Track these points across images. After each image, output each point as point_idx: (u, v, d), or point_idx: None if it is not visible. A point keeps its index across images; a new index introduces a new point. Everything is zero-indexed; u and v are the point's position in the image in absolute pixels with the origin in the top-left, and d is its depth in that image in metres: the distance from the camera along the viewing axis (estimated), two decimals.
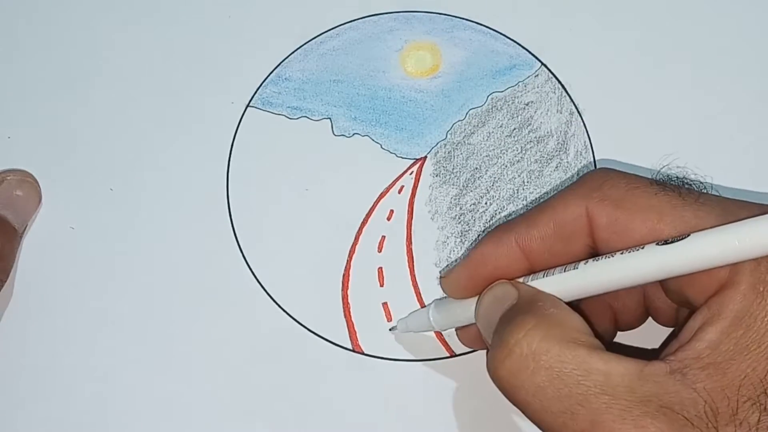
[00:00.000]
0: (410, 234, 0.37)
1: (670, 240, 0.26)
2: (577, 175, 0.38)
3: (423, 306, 0.36)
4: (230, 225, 0.38)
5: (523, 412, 0.27)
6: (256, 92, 0.40)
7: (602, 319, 0.32)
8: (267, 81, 0.40)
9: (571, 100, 0.39)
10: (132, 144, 0.39)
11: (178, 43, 0.41)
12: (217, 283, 0.36)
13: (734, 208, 0.27)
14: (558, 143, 0.39)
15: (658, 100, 0.39)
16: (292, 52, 0.41)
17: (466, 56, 0.40)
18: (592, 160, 0.38)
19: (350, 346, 0.35)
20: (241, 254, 0.37)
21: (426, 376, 0.35)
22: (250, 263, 0.37)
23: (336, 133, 0.39)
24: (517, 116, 0.39)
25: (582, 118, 0.39)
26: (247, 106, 0.40)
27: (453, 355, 0.35)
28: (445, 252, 0.37)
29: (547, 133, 0.39)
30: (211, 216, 0.38)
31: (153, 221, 0.38)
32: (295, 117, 0.39)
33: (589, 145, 0.38)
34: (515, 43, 0.40)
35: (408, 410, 0.34)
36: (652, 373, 0.25)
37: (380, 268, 0.37)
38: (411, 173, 0.38)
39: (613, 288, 0.28)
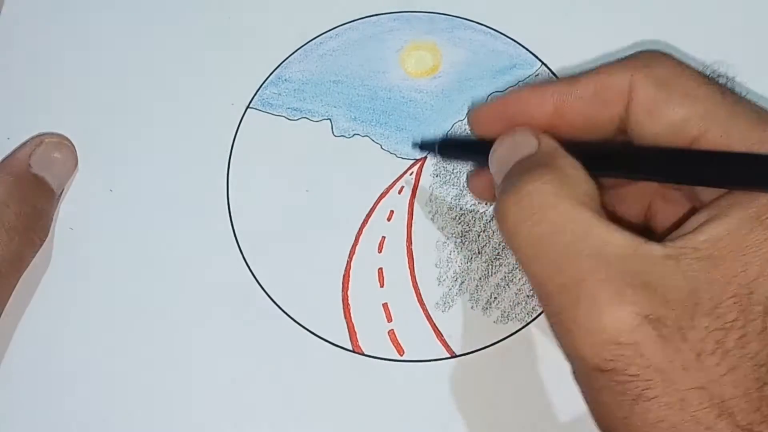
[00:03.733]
0: (410, 234, 0.37)
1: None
2: None
3: (424, 309, 0.36)
4: (230, 225, 0.37)
5: (515, 256, 0.27)
6: (256, 93, 0.40)
7: (634, 208, 0.32)
8: (267, 82, 0.40)
9: None
10: (132, 145, 0.39)
11: (178, 44, 0.41)
12: (217, 283, 0.36)
13: None
14: None
15: None
16: (292, 53, 0.41)
17: (466, 56, 0.40)
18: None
19: (350, 347, 0.35)
20: (241, 254, 0.37)
21: (426, 376, 0.35)
22: (250, 263, 0.37)
23: (336, 134, 0.39)
24: None
25: None
26: (247, 107, 0.40)
27: (453, 355, 0.35)
28: (445, 252, 0.37)
29: None
30: (211, 216, 0.38)
31: (153, 222, 0.38)
32: (295, 118, 0.39)
33: None
34: (515, 43, 0.40)
35: (408, 410, 0.34)
36: (647, 250, 0.25)
37: (380, 269, 0.37)
38: (411, 173, 0.38)
39: (632, 176, 0.29)
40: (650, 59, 0.29)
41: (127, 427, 0.34)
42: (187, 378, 0.35)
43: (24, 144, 0.37)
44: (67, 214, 0.38)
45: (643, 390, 0.24)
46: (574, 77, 0.30)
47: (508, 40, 0.40)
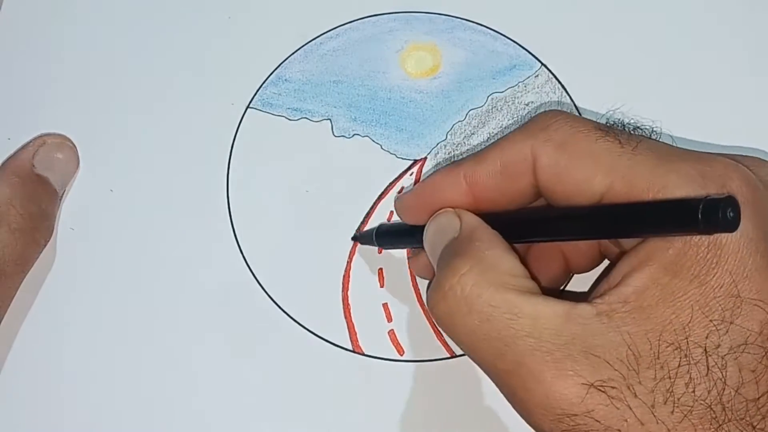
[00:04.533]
0: None
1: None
2: None
3: (424, 309, 0.36)
4: (230, 225, 0.38)
5: (459, 348, 0.28)
6: (256, 93, 0.40)
7: (552, 262, 0.33)
8: (267, 82, 0.40)
9: (572, 101, 0.39)
10: (132, 145, 0.39)
11: (178, 44, 0.41)
12: (217, 283, 0.36)
13: (670, 156, 0.27)
14: None
15: (658, 100, 0.39)
16: (292, 53, 0.41)
17: (466, 57, 0.40)
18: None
19: (350, 347, 0.35)
20: (241, 254, 0.37)
21: (426, 376, 0.35)
22: (250, 263, 0.37)
23: (336, 134, 0.39)
24: (518, 117, 0.39)
25: None
26: (247, 107, 0.40)
27: (453, 355, 0.35)
28: None
29: None
30: (211, 216, 0.38)
31: (153, 222, 0.38)
32: (295, 118, 0.39)
33: None
34: (515, 44, 0.40)
35: (408, 410, 0.34)
36: (578, 315, 0.25)
37: (380, 269, 0.37)
38: (411, 174, 0.38)
39: (549, 239, 0.30)
40: (547, 122, 0.29)
41: (126, 427, 0.35)
42: (187, 378, 0.35)
43: (26, 144, 0.37)
44: (67, 214, 0.38)
45: None
46: (480, 154, 0.30)
47: (508, 40, 0.40)
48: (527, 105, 0.39)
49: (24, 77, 0.40)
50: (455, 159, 0.38)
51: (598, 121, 0.29)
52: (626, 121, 0.30)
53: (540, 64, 0.40)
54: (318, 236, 0.37)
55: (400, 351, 0.35)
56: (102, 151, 0.39)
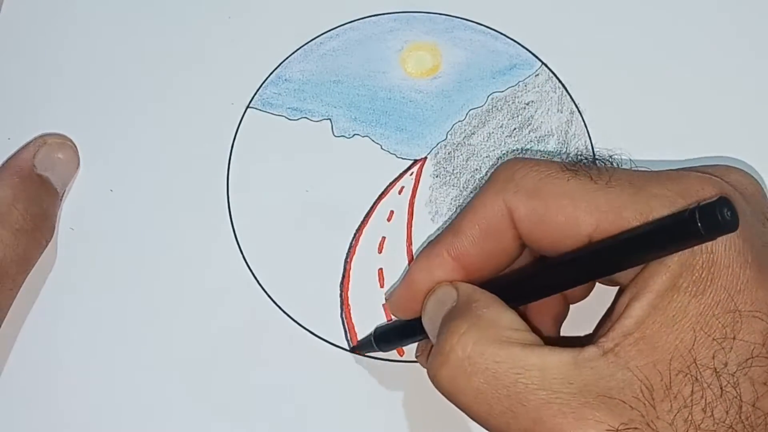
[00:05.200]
0: (410, 235, 0.37)
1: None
2: None
3: None
4: (230, 225, 0.38)
5: (468, 416, 0.27)
6: (256, 93, 0.40)
7: (551, 300, 0.32)
8: (267, 82, 0.40)
9: (572, 100, 0.39)
10: (132, 145, 0.39)
11: (178, 44, 0.41)
12: (217, 283, 0.36)
13: (644, 183, 0.27)
14: (559, 143, 0.39)
15: (658, 99, 0.39)
16: (292, 53, 0.41)
17: (466, 56, 0.40)
18: (592, 159, 0.38)
19: (350, 347, 0.35)
20: (241, 254, 0.37)
21: (426, 376, 0.35)
22: (250, 263, 0.37)
23: (336, 134, 0.39)
24: (518, 116, 0.39)
25: (582, 118, 0.39)
26: (247, 107, 0.40)
27: None
28: None
29: (548, 132, 0.39)
30: (211, 216, 0.38)
31: (153, 222, 0.38)
32: (295, 118, 0.39)
33: (590, 144, 0.38)
34: (515, 43, 0.40)
35: (408, 410, 0.34)
36: (586, 359, 0.25)
37: (380, 269, 0.37)
38: (411, 174, 0.38)
39: (547, 295, 0.29)
40: (511, 172, 0.29)
41: (126, 427, 0.35)
42: (187, 378, 0.35)
43: (27, 145, 0.37)
44: (67, 213, 0.38)
45: None
46: (456, 225, 0.30)
47: (508, 40, 0.40)
48: (527, 104, 0.39)
49: (24, 77, 0.40)
50: (455, 158, 0.38)
51: (562, 161, 0.29)
52: (589, 156, 0.29)
53: (540, 63, 0.40)
54: (318, 236, 0.37)
55: (400, 351, 0.35)
56: (102, 151, 0.39)
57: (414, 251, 0.37)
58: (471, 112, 0.39)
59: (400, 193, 0.38)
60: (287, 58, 0.41)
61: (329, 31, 0.41)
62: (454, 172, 0.38)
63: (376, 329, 0.35)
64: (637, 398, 0.24)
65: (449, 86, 0.40)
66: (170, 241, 0.37)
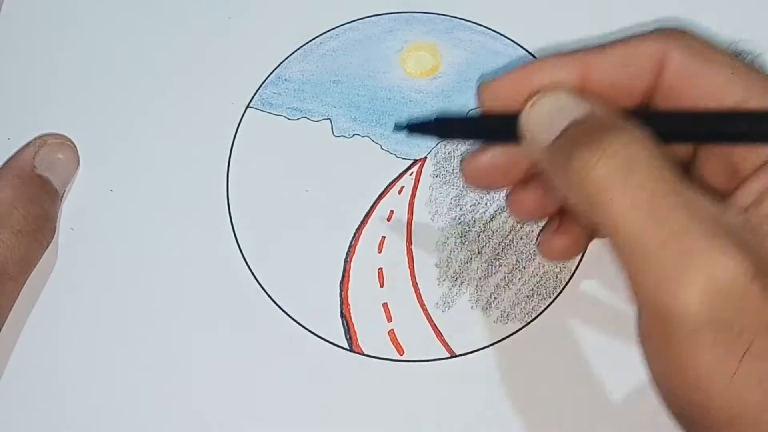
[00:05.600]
0: (410, 235, 0.37)
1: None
2: None
3: (424, 309, 0.36)
4: (230, 225, 0.38)
5: (598, 217, 0.25)
6: (255, 93, 0.40)
7: None
8: (267, 82, 0.40)
9: None
10: (132, 145, 0.39)
11: (178, 44, 0.41)
12: (217, 283, 0.37)
13: None
14: None
15: None
16: (292, 53, 0.41)
17: (466, 57, 0.40)
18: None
19: (350, 347, 0.35)
20: (241, 254, 0.37)
21: (426, 376, 0.35)
22: (250, 263, 0.37)
23: (336, 134, 0.39)
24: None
25: None
26: (247, 107, 0.40)
27: (453, 355, 0.35)
28: (445, 252, 0.37)
29: None
30: (211, 216, 0.38)
31: (153, 222, 0.38)
32: (295, 118, 0.39)
33: None
34: (515, 44, 0.40)
35: (408, 410, 0.34)
36: (733, 215, 0.25)
37: (380, 269, 0.37)
38: (411, 174, 0.38)
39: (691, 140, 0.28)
40: (681, 33, 0.28)
41: (126, 427, 0.35)
42: (187, 378, 0.35)
43: (27, 145, 0.37)
44: (68, 214, 0.38)
45: (750, 345, 0.23)
46: (602, 46, 0.29)
47: (508, 41, 0.40)
48: None
49: (24, 77, 0.40)
50: (455, 158, 0.38)
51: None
52: (752, 52, 0.29)
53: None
54: (318, 236, 0.37)
55: (400, 351, 0.35)
56: (102, 151, 0.39)
57: (414, 251, 0.37)
58: (471, 113, 0.39)
59: (400, 192, 0.38)
60: (287, 58, 0.41)
61: (329, 31, 0.41)
62: (454, 171, 0.38)
63: (438, 115, 0.31)
64: None
65: (449, 86, 0.40)
66: (170, 241, 0.37)
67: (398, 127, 0.31)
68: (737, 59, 0.27)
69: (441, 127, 0.30)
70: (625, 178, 0.25)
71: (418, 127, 0.31)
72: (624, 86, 0.29)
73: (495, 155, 0.30)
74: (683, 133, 0.28)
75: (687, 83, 0.28)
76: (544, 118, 0.28)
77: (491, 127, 0.29)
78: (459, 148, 0.39)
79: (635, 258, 0.25)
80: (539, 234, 0.32)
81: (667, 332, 0.24)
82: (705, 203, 0.25)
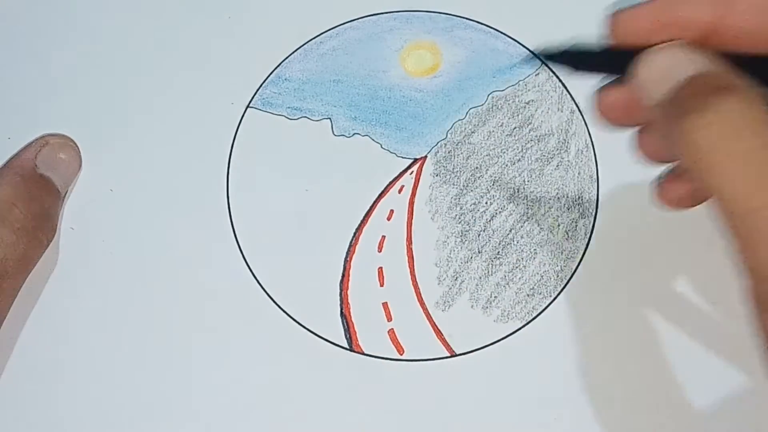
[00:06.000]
0: (410, 234, 0.37)
1: None
2: (578, 174, 0.38)
3: (424, 309, 0.36)
4: (230, 225, 0.37)
5: (705, 177, 0.25)
6: (256, 93, 0.40)
7: None
8: (267, 81, 0.40)
9: (572, 99, 0.39)
10: (132, 144, 0.39)
11: (178, 44, 0.41)
12: (217, 283, 0.36)
13: None
14: (559, 142, 0.38)
15: None
16: (292, 53, 0.41)
17: (466, 55, 0.40)
18: (593, 158, 0.38)
19: (350, 346, 0.35)
20: (241, 254, 0.37)
21: (426, 376, 0.35)
22: (250, 263, 0.37)
23: (336, 133, 0.39)
24: (518, 115, 0.39)
25: (583, 117, 0.39)
26: (247, 106, 0.40)
27: (453, 354, 0.35)
28: (445, 252, 0.37)
29: (548, 131, 0.39)
30: (211, 216, 0.38)
31: (153, 221, 0.38)
32: (295, 117, 0.39)
33: (590, 143, 0.38)
34: (516, 42, 0.40)
35: (408, 410, 0.34)
36: None
37: (380, 268, 0.37)
38: (411, 173, 0.38)
39: None
40: None
41: (126, 426, 0.35)
42: (187, 377, 0.35)
43: (29, 144, 0.37)
44: (68, 213, 0.38)
45: None
46: None
47: (508, 39, 0.40)
48: (528, 103, 0.39)
49: (24, 77, 0.40)
50: (456, 157, 0.38)
51: None
52: None
53: (540, 63, 0.40)
54: (318, 235, 0.37)
55: (400, 350, 0.35)
56: (102, 151, 0.39)
57: (414, 250, 0.37)
58: (471, 111, 0.39)
59: (400, 192, 0.38)
60: (287, 57, 0.41)
61: (329, 30, 0.41)
62: (455, 170, 0.38)
63: (575, 43, 0.30)
64: None
65: (449, 85, 0.40)
66: (170, 241, 0.37)
67: (532, 57, 0.31)
68: None
69: (574, 56, 0.30)
70: (731, 143, 0.24)
71: (552, 56, 0.30)
72: (756, 34, 0.27)
73: (626, 92, 0.29)
74: None
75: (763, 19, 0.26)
76: (657, 75, 0.27)
77: (620, 62, 0.29)
78: (460, 146, 0.38)
79: (742, 227, 0.24)
80: (659, 178, 0.31)
81: None
82: None
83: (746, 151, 0.24)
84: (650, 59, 0.28)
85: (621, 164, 0.36)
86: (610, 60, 0.29)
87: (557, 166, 0.38)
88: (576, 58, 0.30)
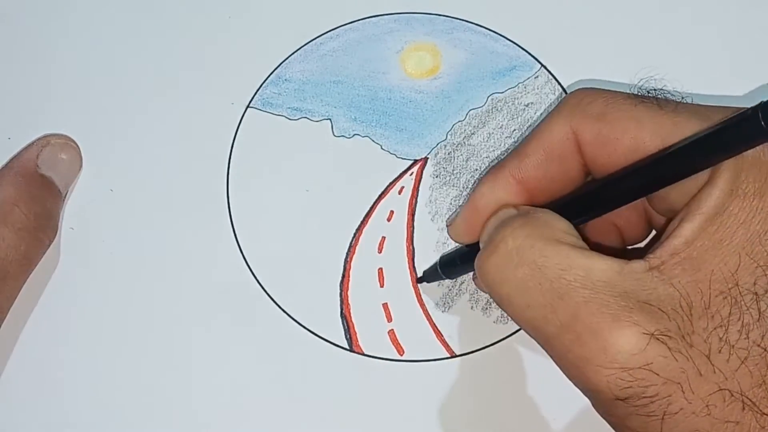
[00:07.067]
0: (410, 235, 0.37)
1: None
2: None
3: (424, 309, 0.36)
4: (230, 225, 0.38)
5: (506, 310, 0.27)
6: (256, 93, 0.40)
7: (608, 238, 0.32)
8: (267, 82, 0.40)
9: None
10: (132, 145, 0.39)
11: (178, 44, 0.41)
12: (217, 283, 0.36)
13: (710, 113, 0.27)
14: None
15: None
16: (292, 53, 0.41)
17: (466, 57, 0.40)
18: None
19: (350, 347, 0.35)
20: (241, 254, 0.37)
21: (426, 376, 0.35)
22: (250, 263, 0.37)
23: (336, 134, 0.39)
24: (517, 117, 0.39)
25: None
26: (247, 106, 0.40)
27: (453, 355, 0.35)
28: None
29: None
30: (211, 216, 0.38)
31: (153, 221, 0.38)
32: (295, 118, 0.40)
33: None
34: (515, 45, 0.40)
35: (408, 410, 0.34)
36: (631, 270, 0.25)
37: (380, 269, 0.37)
38: (411, 174, 0.38)
39: (607, 210, 0.29)
40: (580, 99, 0.29)
41: (126, 426, 0.35)
42: (187, 378, 0.35)
43: (30, 145, 0.37)
44: (67, 213, 0.38)
45: (667, 407, 0.24)
46: (521, 149, 0.30)
47: (508, 41, 0.41)
48: (527, 106, 0.39)
49: (24, 77, 0.40)
50: (455, 158, 0.38)
51: (629, 92, 0.29)
52: (657, 88, 0.30)
53: (540, 65, 0.40)
54: (318, 236, 0.37)
55: (400, 351, 0.35)
56: (102, 151, 0.39)
57: (414, 251, 0.37)
58: (471, 113, 0.39)
59: (400, 193, 0.38)
60: (287, 58, 0.41)
61: (329, 31, 0.41)
62: (454, 172, 0.38)
63: (441, 257, 0.35)
64: (675, 311, 0.24)
65: (449, 87, 0.40)
66: (170, 241, 0.37)
67: (419, 280, 0.36)
68: (641, 106, 0.28)
69: (444, 266, 0.35)
70: (514, 268, 0.26)
71: (429, 276, 0.36)
72: (558, 175, 0.30)
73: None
74: (608, 201, 0.29)
75: (603, 152, 0.29)
76: (484, 237, 0.30)
77: (469, 257, 0.32)
78: (460, 148, 0.39)
79: (546, 348, 0.26)
80: None
81: (597, 405, 0.26)
82: (600, 269, 0.25)
83: (523, 279, 0.26)
84: (483, 231, 0.31)
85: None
86: (470, 255, 0.32)
87: None
88: (448, 265, 0.35)
